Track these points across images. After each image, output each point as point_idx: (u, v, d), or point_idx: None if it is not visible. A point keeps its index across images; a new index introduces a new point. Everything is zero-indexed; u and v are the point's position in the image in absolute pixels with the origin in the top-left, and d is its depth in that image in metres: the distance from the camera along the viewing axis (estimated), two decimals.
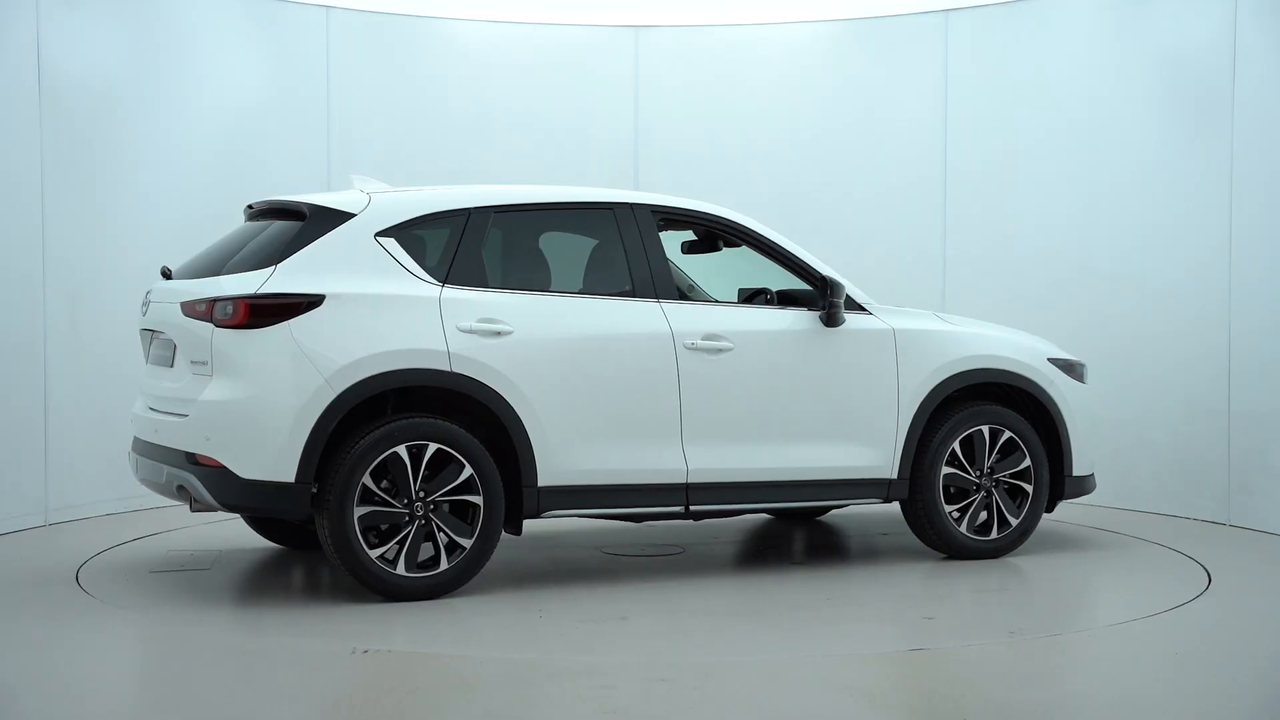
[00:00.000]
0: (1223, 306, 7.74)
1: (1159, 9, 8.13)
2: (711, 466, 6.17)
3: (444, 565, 5.77)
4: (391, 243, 5.88)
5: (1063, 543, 7.13)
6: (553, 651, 5.01)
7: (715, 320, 6.23)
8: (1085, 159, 8.48)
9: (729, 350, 6.17)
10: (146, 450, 6.04)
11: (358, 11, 9.06)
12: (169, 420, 5.83)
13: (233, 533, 7.15)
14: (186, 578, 6.29)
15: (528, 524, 7.56)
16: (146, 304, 6.18)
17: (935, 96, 9.06)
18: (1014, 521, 6.70)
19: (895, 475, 6.48)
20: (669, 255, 6.53)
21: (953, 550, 6.65)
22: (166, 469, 5.82)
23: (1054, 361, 6.88)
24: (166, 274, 6.16)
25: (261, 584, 6.20)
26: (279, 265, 5.74)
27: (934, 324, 6.71)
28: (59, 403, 7.65)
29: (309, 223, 5.90)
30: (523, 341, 5.86)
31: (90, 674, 4.77)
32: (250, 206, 6.38)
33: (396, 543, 5.70)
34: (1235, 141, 7.65)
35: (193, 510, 5.86)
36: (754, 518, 7.86)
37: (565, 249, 6.48)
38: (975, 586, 6.14)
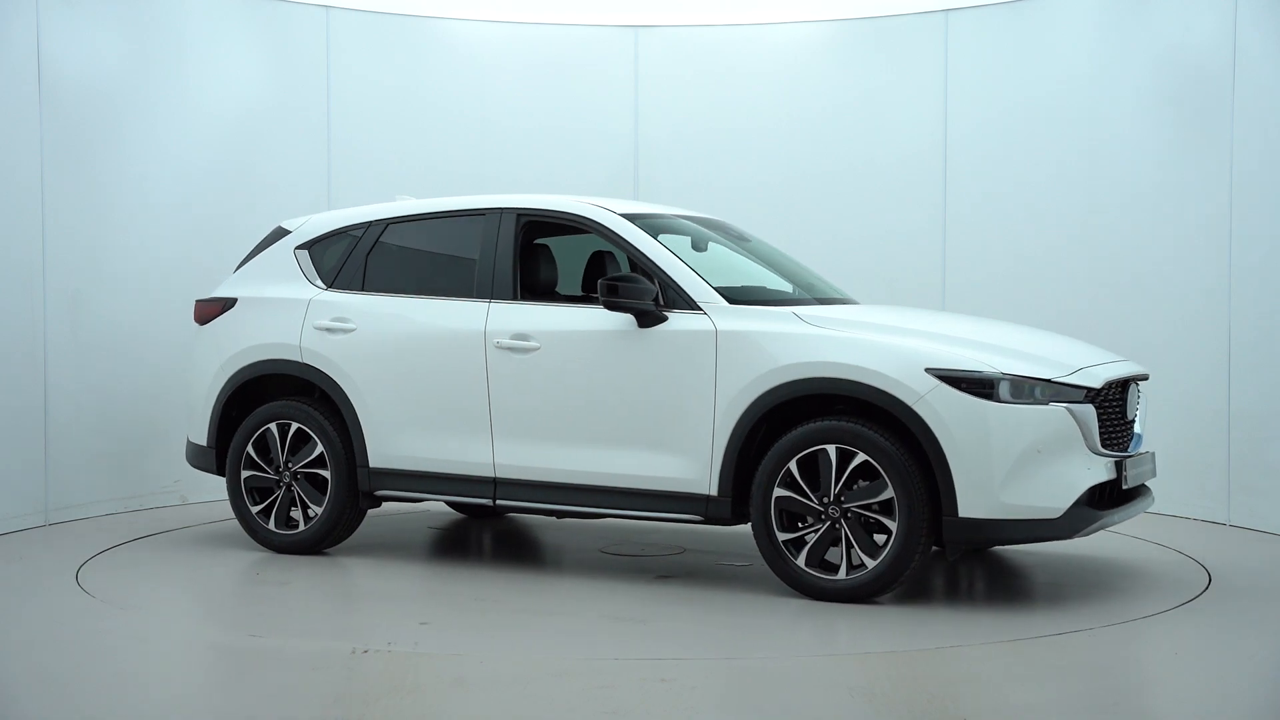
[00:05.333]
0: (1223, 306, 7.73)
1: (1159, 9, 8.13)
2: (518, 464, 6.27)
3: (301, 527, 6.71)
4: (304, 254, 6.96)
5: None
6: (553, 651, 5.02)
7: (528, 320, 6.27)
8: (1085, 159, 8.47)
9: (535, 350, 6.21)
10: None
11: (358, 11, 9.06)
12: None
13: (232, 532, 7.15)
14: (187, 577, 6.31)
15: (526, 524, 7.64)
16: None
17: (935, 97, 9.06)
18: (870, 563, 5.59)
19: (715, 492, 5.85)
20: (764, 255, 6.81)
21: (794, 586, 5.77)
22: None
23: (937, 373, 5.49)
24: None
25: (262, 584, 6.21)
26: (232, 275, 7.18)
27: (777, 325, 5.82)
28: (59, 403, 7.65)
29: (266, 238, 7.16)
30: (361, 337, 6.64)
31: (90, 674, 4.77)
32: None
33: (269, 503, 6.77)
34: (1235, 141, 7.64)
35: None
36: None
37: (455, 254, 6.75)
38: (975, 586, 6.14)
